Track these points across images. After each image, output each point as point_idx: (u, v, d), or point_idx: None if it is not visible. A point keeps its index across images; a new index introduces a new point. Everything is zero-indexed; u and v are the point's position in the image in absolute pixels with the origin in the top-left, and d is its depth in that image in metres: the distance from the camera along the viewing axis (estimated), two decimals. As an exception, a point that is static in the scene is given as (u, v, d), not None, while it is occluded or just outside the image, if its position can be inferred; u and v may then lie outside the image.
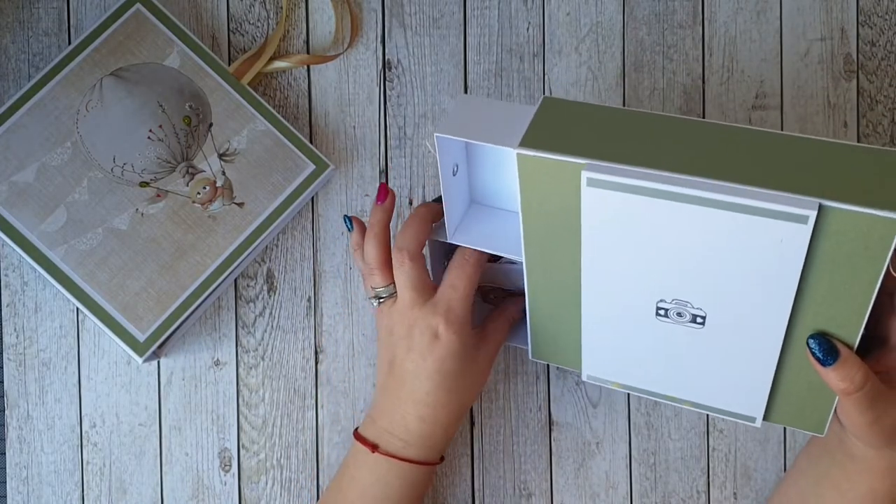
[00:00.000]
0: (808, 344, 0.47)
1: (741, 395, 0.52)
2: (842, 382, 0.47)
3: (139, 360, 0.62)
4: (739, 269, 0.46)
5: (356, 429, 0.59)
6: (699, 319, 0.49)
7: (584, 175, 0.46)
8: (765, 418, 0.53)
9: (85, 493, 0.66)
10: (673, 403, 0.56)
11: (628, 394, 0.66)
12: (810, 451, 0.58)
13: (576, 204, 0.48)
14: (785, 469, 0.66)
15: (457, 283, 0.55)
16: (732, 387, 0.52)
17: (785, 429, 0.66)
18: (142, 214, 0.63)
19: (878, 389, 0.47)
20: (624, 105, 0.67)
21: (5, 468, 0.66)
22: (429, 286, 0.55)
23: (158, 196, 0.63)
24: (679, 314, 0.50)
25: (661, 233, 0.46)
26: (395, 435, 0.57)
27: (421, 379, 0.55)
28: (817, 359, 0.47)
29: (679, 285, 0.48)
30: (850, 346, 0.47)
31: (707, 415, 0.66)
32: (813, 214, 0.41)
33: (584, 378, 0.58)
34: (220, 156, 0.64)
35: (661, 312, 0.51)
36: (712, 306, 0.48)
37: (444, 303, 0.55)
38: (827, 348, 0.47)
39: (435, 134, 0.48)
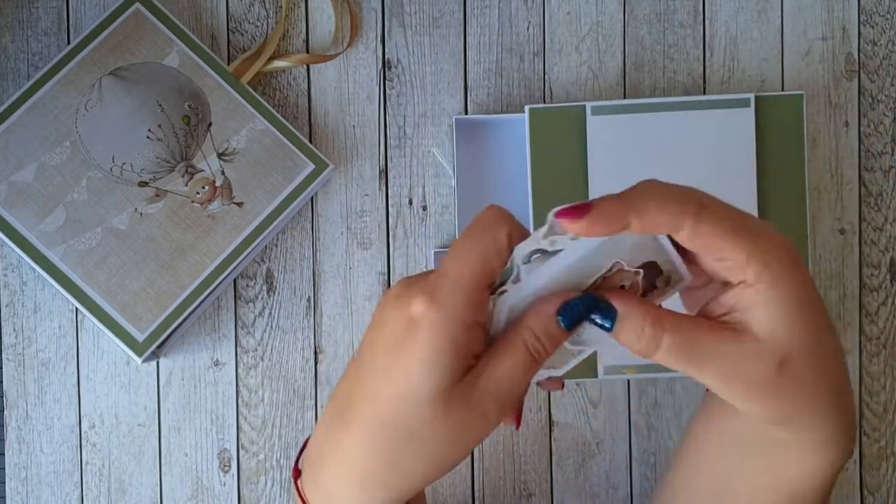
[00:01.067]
0: (584, 314, 0.36)
1: None
2: (633, 345, 0.36)
3: (138, 360, 0.62)
4: (712, 167, 0.62)
5: None
6: None
7: (589, 106, 0.62)
8: None
9: (84, 493, 0.66)
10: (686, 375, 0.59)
11: (628, 393, 0.66)
12: (715, 428, 0.43)
13: (580, 145, 0.61)
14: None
15: (451, 258, 0.36)
16: None
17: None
18: (141, 214, 0.63)
19: (693, 338, 0.36)
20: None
21: (4, 468, 0.66)
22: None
23: (157, 196, 0.63)
24: None
25: (649, 147, 0.61)
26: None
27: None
28: (601, 326, 0.36)
29: None
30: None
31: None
32: (752, 97, 0.62)
33: (600, 376, 0.61)
34: (220, 155, 0.63)
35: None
36: None
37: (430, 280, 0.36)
38: (599, 308, 0.36)
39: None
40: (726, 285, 0.37)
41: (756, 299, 0.35)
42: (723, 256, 0.35)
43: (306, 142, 0.64)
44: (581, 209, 0.35)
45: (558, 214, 0.35)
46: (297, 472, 0.42)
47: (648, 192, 0.35)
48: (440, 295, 0.35)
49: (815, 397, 0.37)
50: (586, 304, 0.36)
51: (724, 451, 0.43)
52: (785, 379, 0.36)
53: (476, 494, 0.66)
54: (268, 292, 0.66)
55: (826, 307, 0.38)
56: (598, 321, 0.36)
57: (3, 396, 0.66)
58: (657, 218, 0.35)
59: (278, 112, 0.65)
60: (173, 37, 0.64)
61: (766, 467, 0.41)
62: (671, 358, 0.36)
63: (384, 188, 0.67)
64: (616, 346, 0.37)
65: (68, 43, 0.66)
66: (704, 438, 0.44)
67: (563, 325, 0.36)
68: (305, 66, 0.67)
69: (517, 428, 0.41)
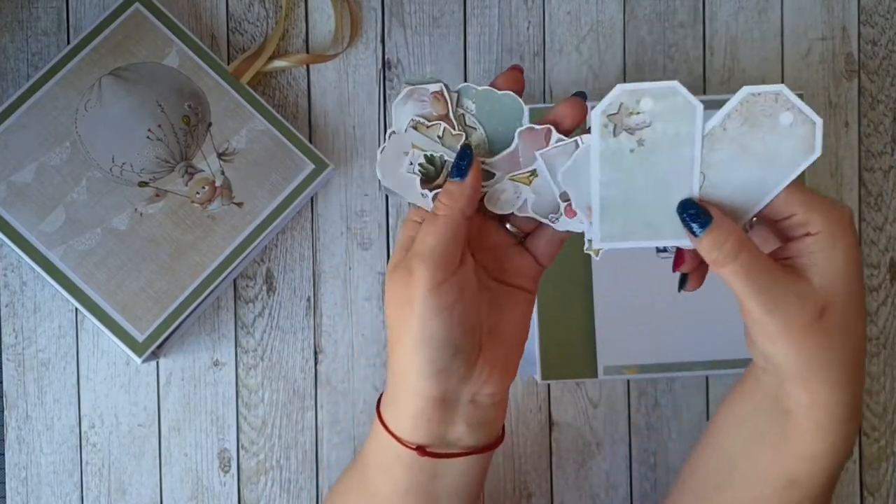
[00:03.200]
0: (678, 213, 0.40)
1: (739, 337, 0.60)
2: (712, 251, 0.39)
3: (138, 360, 0.62)
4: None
5: None
6: None
7: (589, 106, 0.57)
8: None
9: (84, 493, 0.66)
10: (685, 374, 0.62)
11: (628, 394, 0.66)
12: (735, 407, 0.47)
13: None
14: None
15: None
16: (730, 329, 0.58)
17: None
18: (141, 214, 0.63)
19: (762, 264, 0.40)
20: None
21: (4, 468, 0.66)
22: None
23: (157, 196, 0.63)
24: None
25: None
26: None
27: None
28: (690, 228, 0.40)
29: None
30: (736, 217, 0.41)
31: (706, 415, 0.66)
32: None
33: (600, 376, 0.62)
34: (220, 155, 0.63)
35: (661, 247, 0.60)
36: None
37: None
38: (696, 212, 0.40)
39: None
40: (791, 240, 0.41)
41: (818, 246, 0.39)
42: (789, 212, 0.40)
43: (306, 142, 0.64)
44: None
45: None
46: (378, 407, 0.46)
47: None
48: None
49: (837, 357, 0.40)
50: (683, 205, 0.40)
51: (738, 434, 0.45)
52: (819, 326, 0.39)
53: (476, 494, 0.66)
54: (268, 292, 0.66)
55: (863, 285, 0.42)
56: (689, 222, 0.40)
57: (3, 396, 0.66)
58: None
59: (278, 112, 0.65)
60: (173, 37, 0.64)
61: (772, 449, 0.43)
62: (738, 273, 0.39)
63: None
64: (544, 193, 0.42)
65: (68, 43, 0.66)
66: (721, 422, 0.47)
67: (453, 177, 0.41)
68: (305, 66, 0.67)
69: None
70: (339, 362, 0.66)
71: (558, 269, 0.61)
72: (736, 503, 0.45)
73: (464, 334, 0.41)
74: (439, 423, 0.42)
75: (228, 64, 0.66)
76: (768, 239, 0.43)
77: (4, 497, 0.66)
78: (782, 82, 0.67)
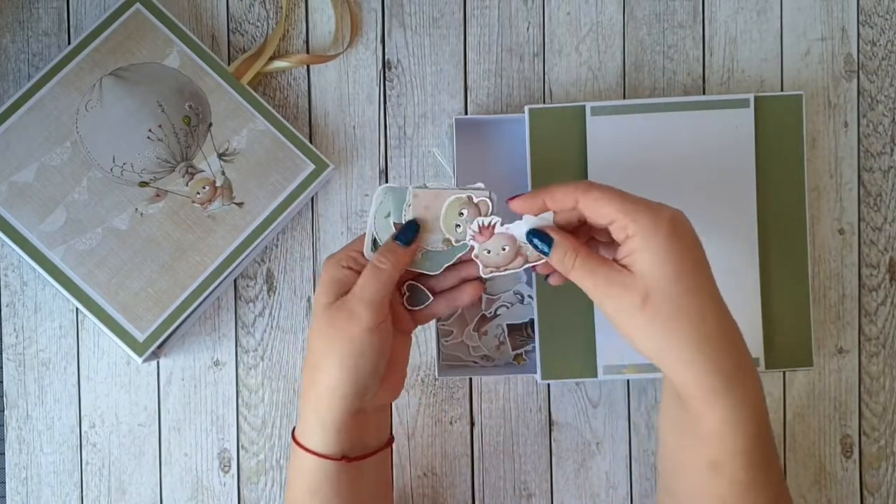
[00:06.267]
0: (529, 241, 0.50)
1: None
2: (558, 264, 0.49)
3: (138, 360, 0.62)
4: (712, 167, 0.62)
5: None
6: None
7: (588, 106, 0.62)
8: (766, 367, 0.62)
9: (84, 493, 0.66)
10: None
11: (628, 393, 0.66)
12: (664, 403, 0.51)
13: (579, 145, 0.62)
14: (784, 469, 0.66)
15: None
16: None
17: (784, 429, 0.66)
18: (141, 214, 0.63)
19: (594, 266, 0.48)
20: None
21: (4, 468, 0.66)
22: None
23: (158, 196, 0.63)
24: None
25: (649, 147, 0.62)
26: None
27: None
28: (540, 250, 0.50)
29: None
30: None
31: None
32: (752, 97, 0.62)
33: (599, 376, 0.61)
34: (220, 155, 0.64)
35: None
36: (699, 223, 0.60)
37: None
38: (541, 238, 0.49)
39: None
40: (620, 244, 0.48)
41: (634, 246, 0.46)
42: (611, 219, 0.47)
43: (306, 142, 0.64)
44: (516, 196, 0.50)
45: (508, 200, 0.51)
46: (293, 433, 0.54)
47: (556, 184, 0.49)
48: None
49: (672, 334, 0.45)
50: (532, 232, 0.50)
51: (669, 441, 0.50)
52: (646, 309, 0.45)
53: (476, 494, 0.66)
54: (268, 292, 0.66)
55: (703, 269, 0.46)
56: (538, 244, 0.50)
57: (3, 396, 0.66)
58: (560, 197, 0.49)
59: (278, 112, 0.65)
60: (174, 37, 0.64)
61: (689, 440, 0.47)
62: (579, 276, 0.48)
63: (384, 188, 0.67)
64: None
65: (69, 43, 0.66)
66: (662, 437, 0.52)
67: (399, 241, 0.51)
68: (305, 67, 0.67)
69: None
70: (339, 362, 0.66)
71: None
72: (684, 498, 0.49)
73: (384, 364, 0.50)
74: (358, 431, 0.52)
75: (229, 64, 0.66)
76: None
77: (4, 497, 0.66)
78: (781, 82, 0.67)
